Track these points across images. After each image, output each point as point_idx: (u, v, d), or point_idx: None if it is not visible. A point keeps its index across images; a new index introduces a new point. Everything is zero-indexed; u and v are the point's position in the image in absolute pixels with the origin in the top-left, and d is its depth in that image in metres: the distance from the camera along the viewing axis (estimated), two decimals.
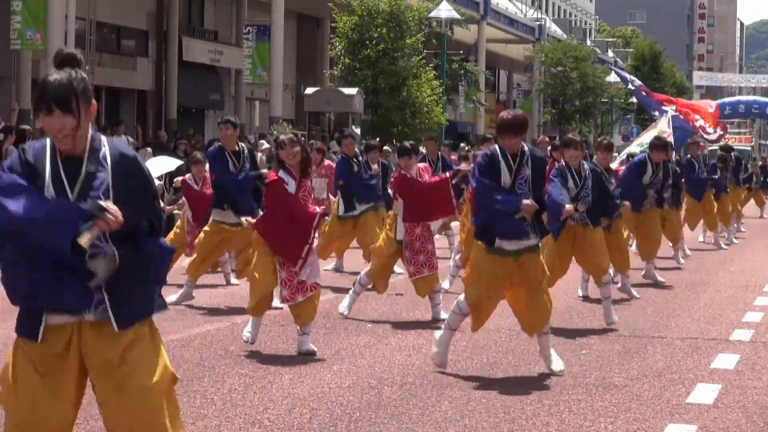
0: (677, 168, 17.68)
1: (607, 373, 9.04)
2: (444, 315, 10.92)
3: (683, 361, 9.71)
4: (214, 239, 12.43)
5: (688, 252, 19.26)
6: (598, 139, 14.28)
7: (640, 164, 15.16)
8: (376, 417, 7.41)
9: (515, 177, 8.65)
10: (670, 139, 22.92)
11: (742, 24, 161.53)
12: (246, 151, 12.59)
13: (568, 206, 10.61)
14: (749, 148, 79.39)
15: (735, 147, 50.69)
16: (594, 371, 9.13)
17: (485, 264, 8.77)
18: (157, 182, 14.32)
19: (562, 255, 11.76)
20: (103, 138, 4.56)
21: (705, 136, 27.97)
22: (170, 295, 11.80)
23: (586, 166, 11.67)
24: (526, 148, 8.74)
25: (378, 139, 28.51)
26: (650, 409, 7.80)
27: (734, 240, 23.65)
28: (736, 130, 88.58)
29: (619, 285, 13.69)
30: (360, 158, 15.57)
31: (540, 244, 9.03)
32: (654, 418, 7.57)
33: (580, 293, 13.69)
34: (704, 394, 8.33)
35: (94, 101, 4.50)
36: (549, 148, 17.66)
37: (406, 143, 12.09)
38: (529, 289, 8.80)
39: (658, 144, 15.37)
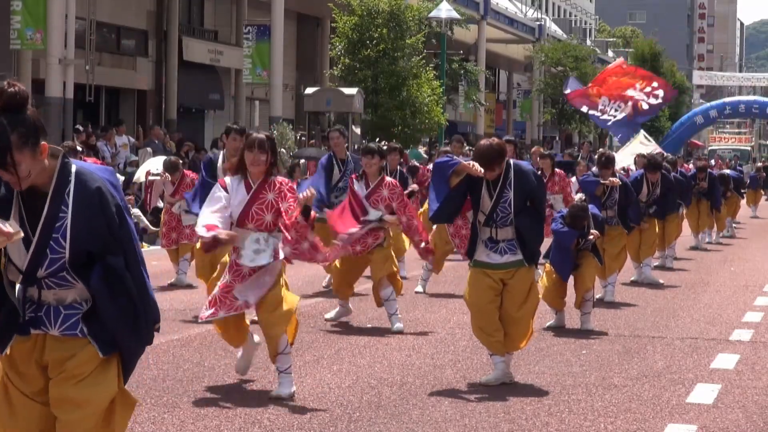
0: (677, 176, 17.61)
1: (607, 373, 9.04)
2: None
3: (683, 361, 9.70)
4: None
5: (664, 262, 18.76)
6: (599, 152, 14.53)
7: (636, 183, 15.17)
8: (376, 417, 7.40)
9: (497, 201, 8.44)
10: (657, 150, 22.82)
11: (742, 24, 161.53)
12: (350, 159, 13.32)
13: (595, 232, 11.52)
14: (749, 148, 79.37)
15: (738, 147, 50.64)
16: (594, 371, 9.13)
17: (475, 282, 8.52)
18: (155, 177, 14.39)
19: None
20: (75, 167, 4.36)
21: (646, 108, 27.23)
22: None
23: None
24: (511, 170, 8.47)
25: (378, 139, 28.49)
26: (650, 409, 7.80)
27: (720, 239, 23.80)
28: (736, 130, 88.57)
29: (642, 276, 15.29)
30: (348, 162, 13.56)
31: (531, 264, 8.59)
32: (654, 418, 7.57)
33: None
34: (704, 394, 8.33)
35: (43, 143, 4.23)
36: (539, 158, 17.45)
37: (372, 144, 11.94)
38: (505, 312, 8.53)
39: (652, 164, 15.40)
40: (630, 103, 27.68)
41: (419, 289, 13.86)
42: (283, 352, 7.87)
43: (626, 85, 28.33)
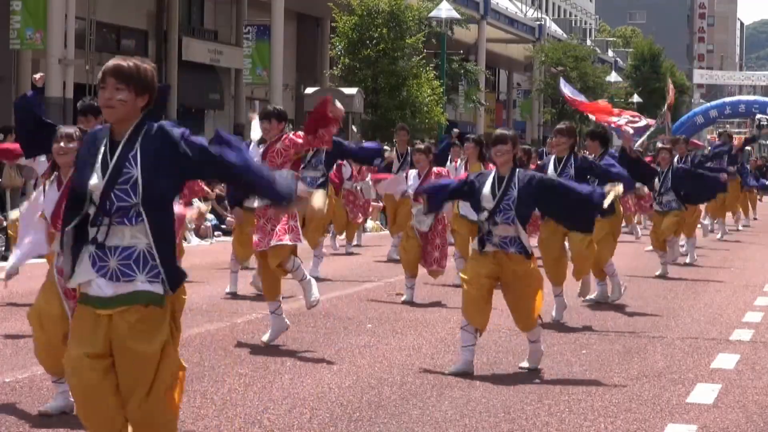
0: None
1: (607, 373, 9.04)
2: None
3: (683, 361, 9.70)
4: None
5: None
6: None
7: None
8: (376, 417, 7.40)
9: (114, 169, 5.10)
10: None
11: (742, 24, 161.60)
12: (408, 152, 16.75)
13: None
14: (749, 148, 79.32)
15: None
16: (594, 371, 9.13)
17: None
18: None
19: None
20: None
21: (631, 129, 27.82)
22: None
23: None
24: (144, 129, 5.20)
25: (378, 139, 28.47)
26: (650, 409, 7.80)
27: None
28: (736, 130, 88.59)
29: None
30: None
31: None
32: (654, 418, 7.57)
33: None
34: (704, 394, 8.33)
35: None
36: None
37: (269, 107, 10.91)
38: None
39: (596, 132, 13.91)
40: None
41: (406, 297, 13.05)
42: None
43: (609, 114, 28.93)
